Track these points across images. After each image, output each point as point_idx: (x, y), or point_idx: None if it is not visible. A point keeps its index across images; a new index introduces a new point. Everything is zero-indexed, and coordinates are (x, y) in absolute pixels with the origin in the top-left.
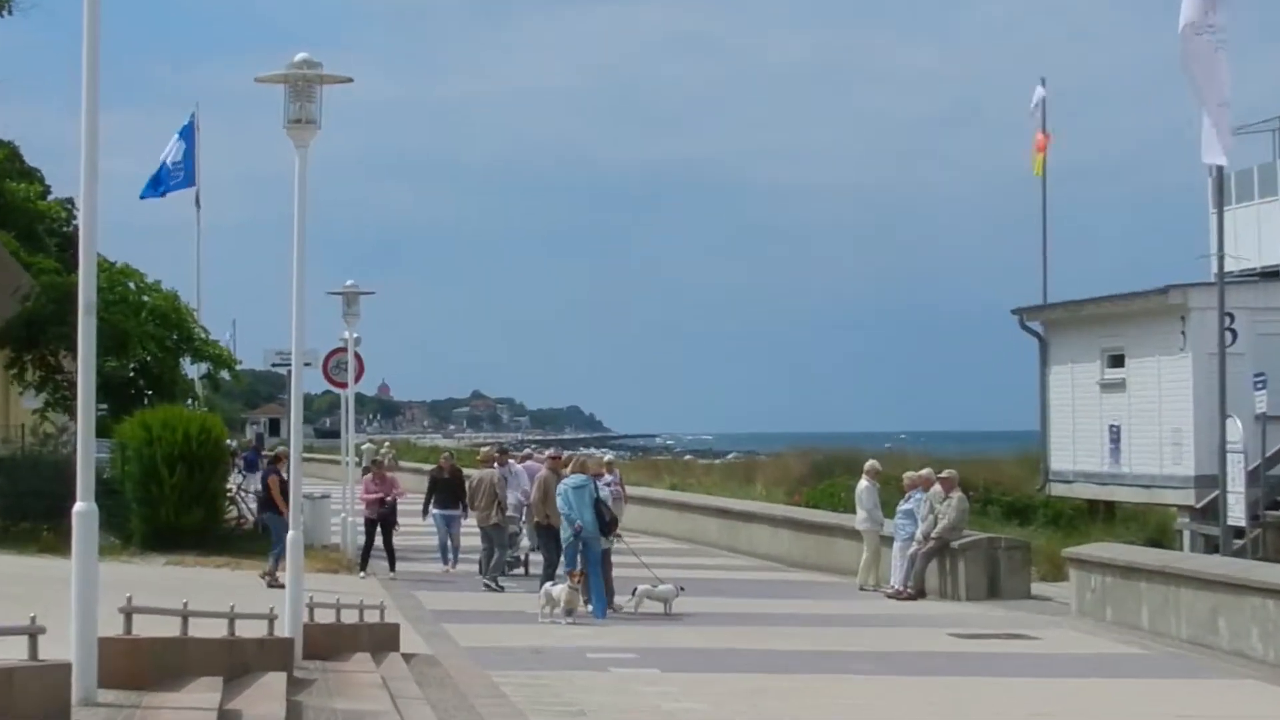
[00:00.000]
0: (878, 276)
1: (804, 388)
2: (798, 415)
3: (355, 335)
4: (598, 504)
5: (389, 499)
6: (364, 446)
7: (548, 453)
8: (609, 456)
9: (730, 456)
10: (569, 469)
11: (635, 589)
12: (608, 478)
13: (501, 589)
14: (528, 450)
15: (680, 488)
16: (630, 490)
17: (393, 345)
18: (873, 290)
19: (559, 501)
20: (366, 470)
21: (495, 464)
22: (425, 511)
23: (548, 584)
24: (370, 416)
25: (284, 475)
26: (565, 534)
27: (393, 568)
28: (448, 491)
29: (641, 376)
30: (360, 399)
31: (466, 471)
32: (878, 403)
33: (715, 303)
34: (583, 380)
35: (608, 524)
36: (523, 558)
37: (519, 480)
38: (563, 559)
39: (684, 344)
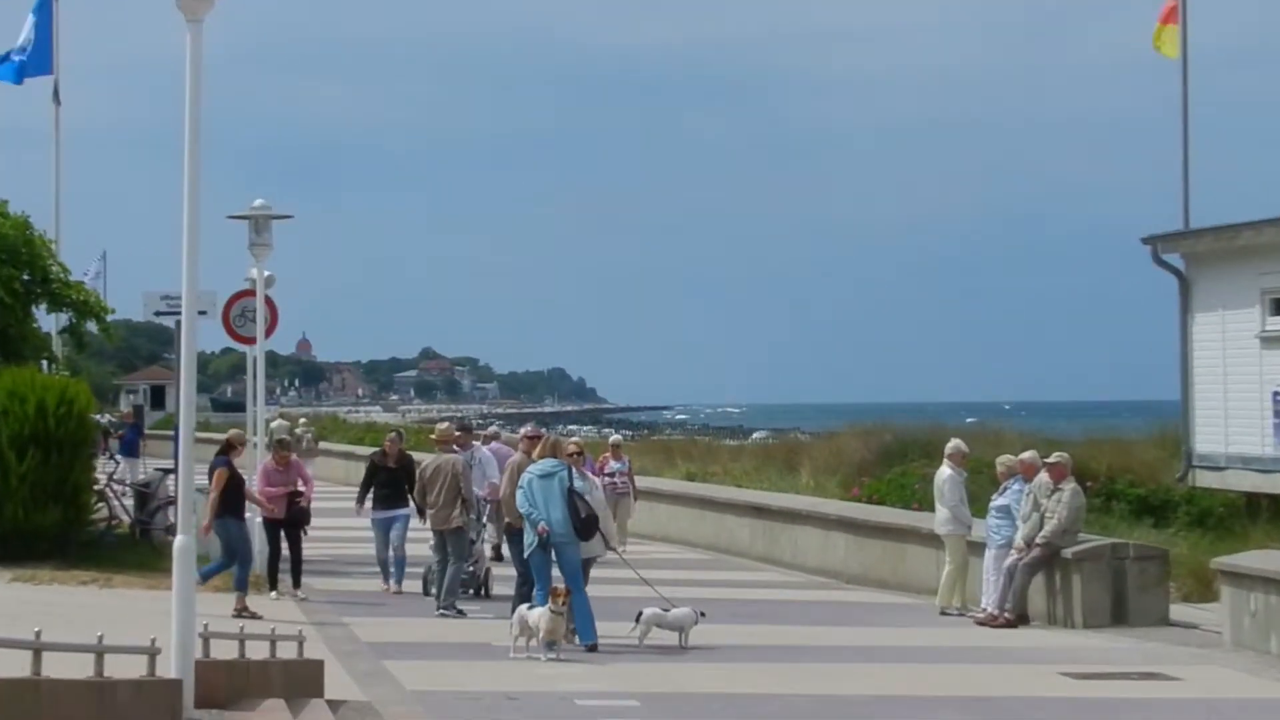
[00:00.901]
0: (963, 196)
1: (862, 346)
2: (855, 382)
3: (266, 274)
4: (571, 496)
5: (300, 495)
6: (274, 424)
7: (523, 431)
8: (615, 438)
9: (758, 436)
10: (537, 452)
11: (640, 614)
12: (613, 465)
13: (462, 614)
14: (494, 428)
15: (699, 477)
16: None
17: (317, 289)
18: (956, 214)
19: (518, 497)
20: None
21: (456, 447)
22: (360, 504)
23: (522, 606)
24: (286, 383)
25: (235, 469)
26: (528, 538)
27: (298, 584)
28: (392, 485)
29: (647, 333)
30: (273, 359)
31: (418, 457)
32: (963, 365)
33: (744, 236)
34: (569, 337)
35: (584, 522)
36: (480, 574)
37: (486, 469)
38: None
39: (702, 290)
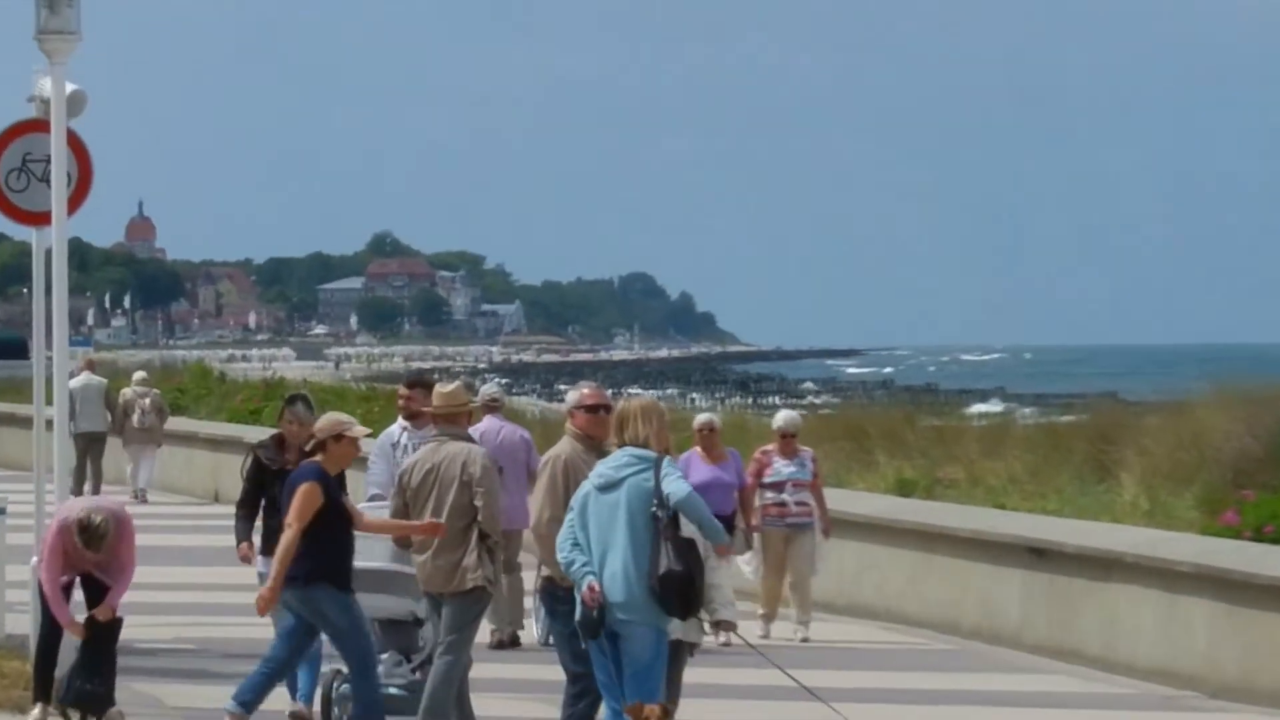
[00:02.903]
0: None
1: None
2: (1177, 314)
3: (71, 90)
4: (657, 525)
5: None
6: (72, 384)
7: (576, 395)
8: (785, 420)
9: (992, 406)
10: (625, 426)
11: None
12: (781, 468)
13: None
14: (491, 386)
15: (920, 489)
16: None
17: (165, 126)
18: None
19: (561, 532)
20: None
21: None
22: (246, 543)
23: None
24: (109, 301)
25: (333, 486)
26: (581, 611)
27: (99, 708)
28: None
29: (812, 247)
30: (82, 255)
31: (373, 445)
32: None
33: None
34: (659, 225)
35: (666, 581)
36: (421, 677)
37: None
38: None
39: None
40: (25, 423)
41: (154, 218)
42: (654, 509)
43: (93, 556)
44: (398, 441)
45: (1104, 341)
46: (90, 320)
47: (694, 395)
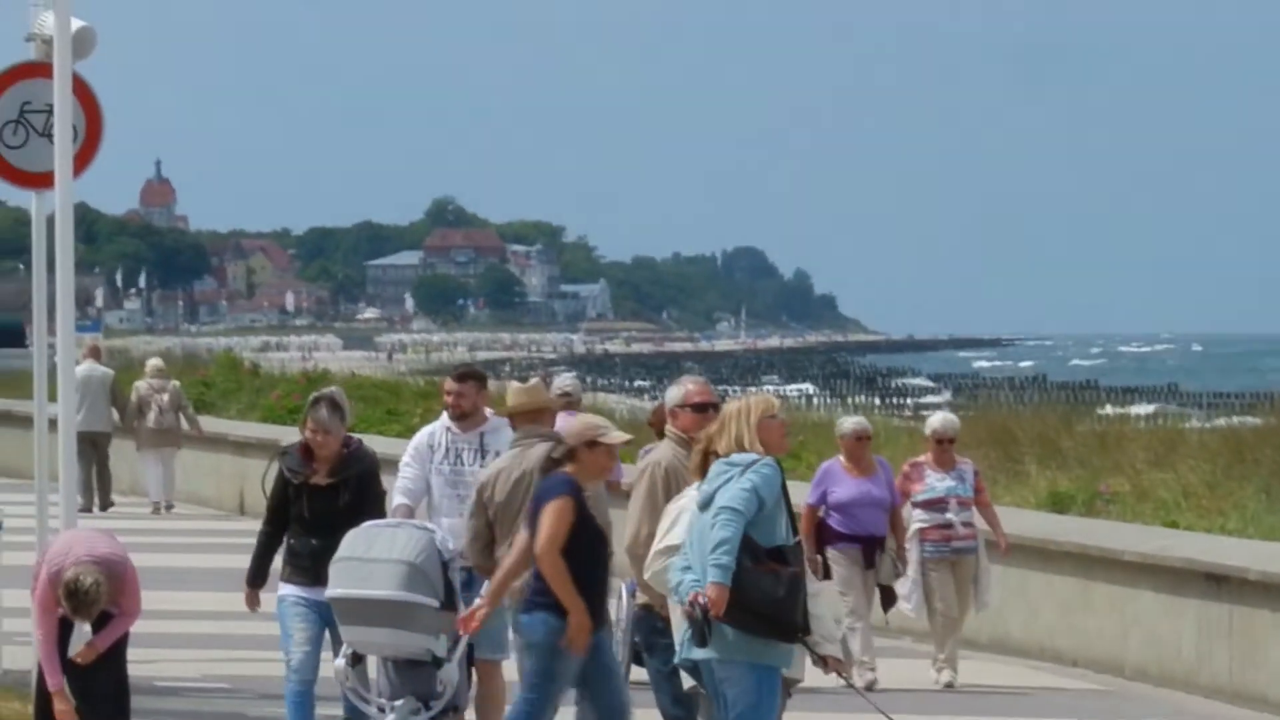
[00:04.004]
0: None
1: None
2: None
3: (78, 27)
4: (794, 544)
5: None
6: (83, 370)
7: (676, 393)
8: (941, 422)
9: (1156, 407)
10: (720, 432)
11: None
12: (936, 482)
13: None
14: (567, 378)
15: (1078, 504)
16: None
17: (188, 73)
18: None
19: (678, 553)
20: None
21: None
22: (257, 581)
23: None
24: (122, 279)
25: (585, 502)
26: (681, 634)
27: None
28: (329, 526)
29: (944, 228)
30: (90, 223)
31: (386, 451)
32: None
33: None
34: (769, 193)
35: (778, 605)
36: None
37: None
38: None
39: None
40: (24, 422)
41: (173, 180)
42: (787, 519)
43: (82, 620)
44: (437, 443)
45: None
46: (99, 301)
47: (807, 389)
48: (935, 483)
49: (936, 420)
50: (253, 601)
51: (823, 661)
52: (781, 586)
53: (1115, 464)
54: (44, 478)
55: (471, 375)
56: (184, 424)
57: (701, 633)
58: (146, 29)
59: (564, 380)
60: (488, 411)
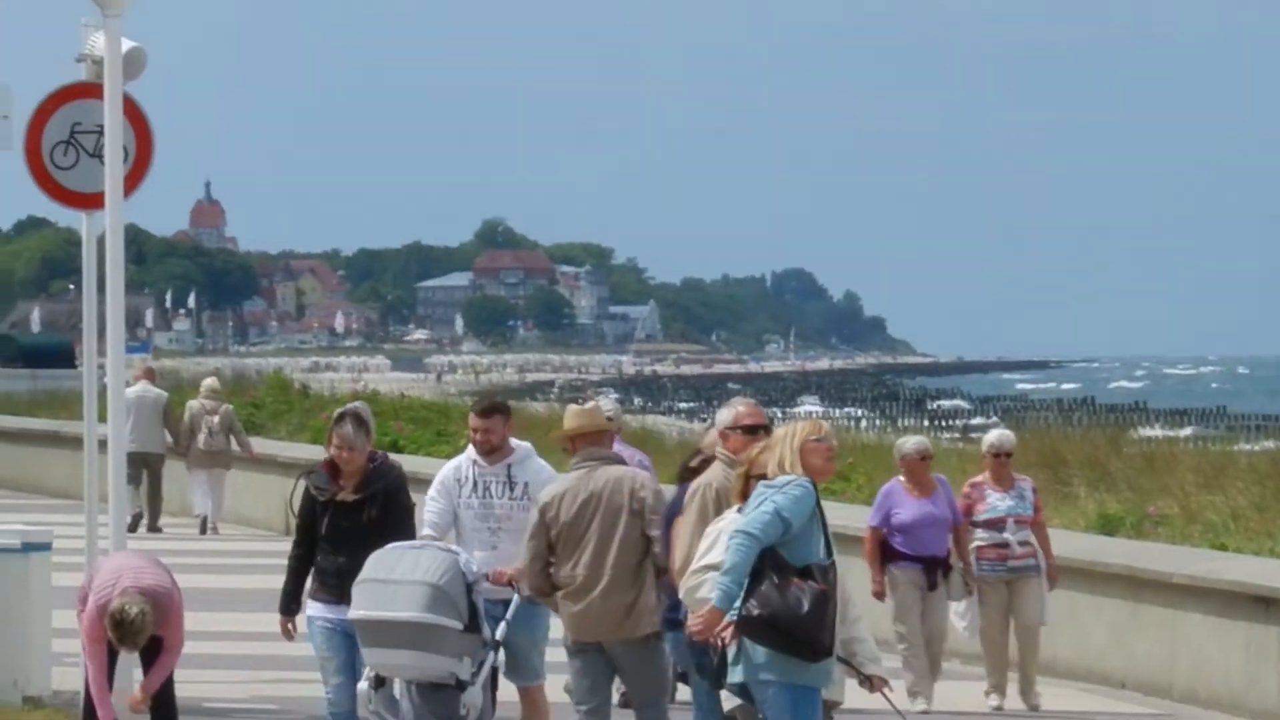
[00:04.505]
0: None
1: None
2: None
3: (128, 47)
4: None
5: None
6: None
7: (728, 415)
8: (999, 438)
9: (1202, 430)
10: (771, 456)
11: None
12: (997, 502)
13: None
14: (609, 403)
15: (1127, 526)
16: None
17: (235, 98)
18: None
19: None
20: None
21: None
22: (291, 608)
23: None
24: (171, 300)
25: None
26: (735, 668)
27: None
28: (358, 543)
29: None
30: (140, 244)
31: (419, 468)
32: None
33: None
34: (820, 215)
35: (806, 622)
36: None
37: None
38: None
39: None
40: (74, 444)
41: (223, 201)
42: (825, 546)
43: (128, 650)
44: (464, 477)
45: None
46: (149, 322)
47: (857, 412)
48: (996, 502)
49: (994, 435)
50: (287, 631)
51: (868, 681)
52: (805, 602)
53: (1164, 486)
54: (94, 499)
55: (496, 409)
56: (234, 446)
57: (721, 659)
58: (197, 50)
59: (605, 404)
60: (513, 441)
